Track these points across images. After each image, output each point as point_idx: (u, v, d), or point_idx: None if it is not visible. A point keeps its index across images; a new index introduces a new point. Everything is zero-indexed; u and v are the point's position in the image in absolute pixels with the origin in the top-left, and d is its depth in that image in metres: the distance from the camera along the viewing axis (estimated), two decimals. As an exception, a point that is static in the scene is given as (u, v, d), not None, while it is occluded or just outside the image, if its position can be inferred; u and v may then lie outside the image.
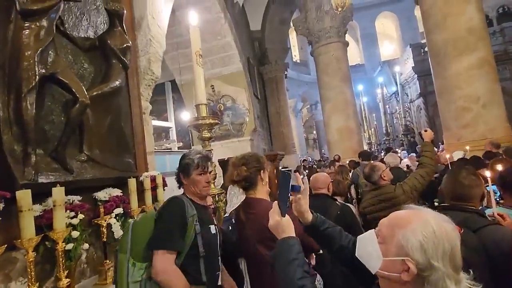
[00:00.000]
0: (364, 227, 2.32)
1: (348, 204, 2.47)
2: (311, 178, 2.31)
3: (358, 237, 0.88)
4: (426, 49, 12.24)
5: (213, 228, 1.53)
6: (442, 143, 8.00)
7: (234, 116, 7.38)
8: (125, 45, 2.21)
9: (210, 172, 1.62)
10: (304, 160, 11.42)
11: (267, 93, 10.57)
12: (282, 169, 1.13)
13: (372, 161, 5.57)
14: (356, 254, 0.84)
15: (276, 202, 1.01)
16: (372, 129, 14.90)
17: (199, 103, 3.22)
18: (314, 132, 24.22)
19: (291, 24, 9.61)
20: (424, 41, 13.12)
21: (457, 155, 4.19)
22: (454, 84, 5.26)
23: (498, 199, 1.86)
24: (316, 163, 10.32)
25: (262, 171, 1.64)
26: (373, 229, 0.82)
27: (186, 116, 5.35)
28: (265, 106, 10.46)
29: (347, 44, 7.86)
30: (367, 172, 2.34)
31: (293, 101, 19.49)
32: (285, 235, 0.92)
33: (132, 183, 2.07)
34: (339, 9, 5.22)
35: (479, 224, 1.29)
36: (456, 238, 0.66)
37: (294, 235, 0.94)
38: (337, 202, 2.11)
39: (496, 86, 5.17)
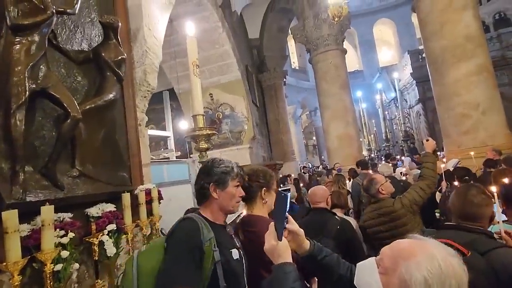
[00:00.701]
0: (365, 241, 2.26)
1: (348, 218, 2.42)
2: (309, 192, 2.26)
3: (357, 264, 0.83)
4: (424, 55, 12.35)
5: (235, 253, 1.25)
6: (442, 150, 7.98)
7: (233, 124, 7.36)
8: (119, 58, 2.18)
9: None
10: (304, 167, 11.36)
11: (266, 101, 10.59)
12: (280, 189, 1.08)
13: (371, 171, 5.52)
14: (354, 283, 0.79)
15: (272, 223, 0.96)
16: (372, 135, 14.88)
17: (196, 113, 3.19)
18: (314, 138, 24.22)
19: (289, 32, 9.67)
20: (422, 47, 13.22)
21: (451, 163, 4.15)
22: (453, 91, 5.25)
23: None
24: (316, 171, 10.26)
25: (265, 189, 1.52)
26: (374, 257, 0.77)
27: (184, 125, 5.32)
28: (264, 114, 10.46)
29: (345, 51, 7.88)
30: (366, 184, 2.29)
31: (293, 107, 19.54)
32: (281, 261, 0.87)
33: (126, 198, 2.02)
34: (336, 19, 5.24)
35: (487, 247, 1.23)
36: (463, 274, 0.61)
37: (291, 260, 0.89)
38: (336, 217, 2.05)
39: (495, 92, 5.16)
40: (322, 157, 19.04)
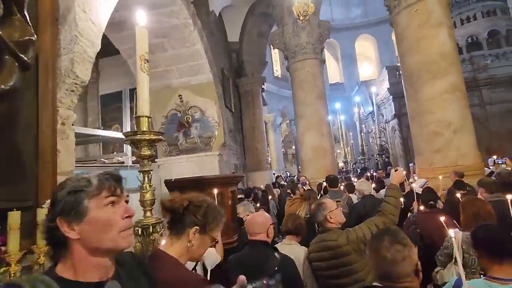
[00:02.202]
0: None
1: (300, 248, 2.07)
2: (247, 220, 1.90)
3: None
4: (401, 72, 12.57)
5: None
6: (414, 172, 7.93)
7: (202, 129, 6.93)
8: (26, 38, 1.73)
9: (127, 201, 0.88)
10: (278, 176, 11.07)
11: (243, 107, 10.25)
12: None
13: (342, 188, 5.24)
14: None
15: None
16: (349, 148, 14.91)
17: (141, 114, 2.77)
18: (293, 147, 24.17)
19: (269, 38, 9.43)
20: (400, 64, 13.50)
21: (419, 183, 3.95)
22: (427, 108, 5.14)
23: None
24: (288, 182, 9.96)
25: (197, 228, 1.17)
26: None
27: (143, 127, 4.89)
28: (239, 120, 10.11)
29: (323, 61, 7.73)
30: (313, 209, 1.95)
31: (273, 115, 19.38)
32: None
33: (13, 217, 1.56)
34: (301, 17, 5.00)
35: None
36: None
37: None
38: (276, 254, 1.69)
39: (467, 112, 5.10)
40: (299, 167, 18.91)
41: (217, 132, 6.90)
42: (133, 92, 7.35)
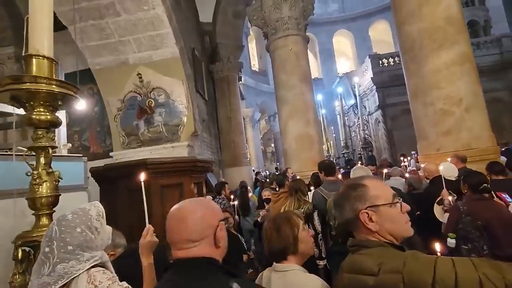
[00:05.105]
0: None
1: (311, 277, 1.08)
2: (168, 218, 0.87)
3: None
4: (384, 60, 12.08)
5: None
6: (404, 158, 7.27)
7: (168, 115, 5.78)
8: None
9: None
10: (258, 172, 10.10)
11: (218, 95, 9.15)
12: None
13: (340, 177, 4.35)
14: None
15: None
16: (331, 142, 14.26)
17: (34, 53, 1.67)
18: (272, 145, 23.36)
19: (247, 18, 8.41)
20: (383, 52, 13.01)
21: (447, 169, 3.10)
22: (433, 82, 4.37)
23: None
24: (268, 176, 8.99)
25: None
26: None
27: (81, 105, 3.64)
28: (214, 110, 9.00)
29: (307, 39, 6.84)
30: (338, 196, 0.96)
31: (251, 110, 18.41)
32: None
33: None
34: None
35: None
36: None
37: None
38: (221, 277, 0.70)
39: (478, 88, 4.39)
40: (277, 163, 18.07)
41: (186, 118, 5.78)
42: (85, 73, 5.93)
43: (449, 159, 3.64)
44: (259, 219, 3.75)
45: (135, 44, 5.24)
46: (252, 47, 21.98)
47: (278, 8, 6.45)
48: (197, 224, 0.82)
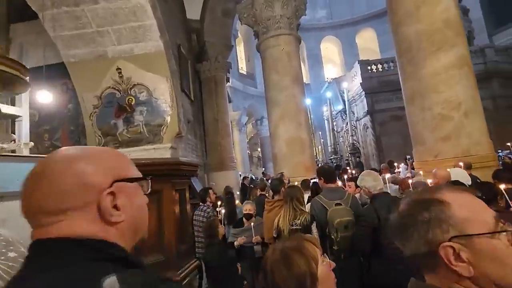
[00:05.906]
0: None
1: None
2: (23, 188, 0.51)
3: None
4: (373, 66, 12.08)
5: None
6: (398, 165, 7.09)
7: (150, 114, 5.34)
8: None
9: None
10: (245, 177, 9.72)
11: (204, 96, 8.75)
12: None
13: (340, 184, 4.02)
14: None
15: None
16: (319, 147, 14.10)
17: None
18: (259, 149, 23.05)
19: (237, 16, 8.11)
20: (372, 58, 13.05)
21: (457, 173, 2.88)
22: (431, 86, 4.20)
23: None
24: (257, 180, 8.62)
25: None
26: None
27: (47, 98, 3.16)
28: (200, 111, 8.59)
29: (299, 39, 6.60)
30: (403, 211, 0.58)
31: (238, 113, 18.06)
32: None
33: None
34: None
35: None
36: None
37: None
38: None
39: (476, 92, 4.26)
40: (264, 168, 17.73)
41: (170, 118, 5.36)
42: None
43: (461, 164, 3.44)
44: (235, 244, 3.19)
45: (114, 35, 4.80)
46: (240, 49, 21.75)
47: (270, 6, 6.18)
48: (65, 183, 0.49)
